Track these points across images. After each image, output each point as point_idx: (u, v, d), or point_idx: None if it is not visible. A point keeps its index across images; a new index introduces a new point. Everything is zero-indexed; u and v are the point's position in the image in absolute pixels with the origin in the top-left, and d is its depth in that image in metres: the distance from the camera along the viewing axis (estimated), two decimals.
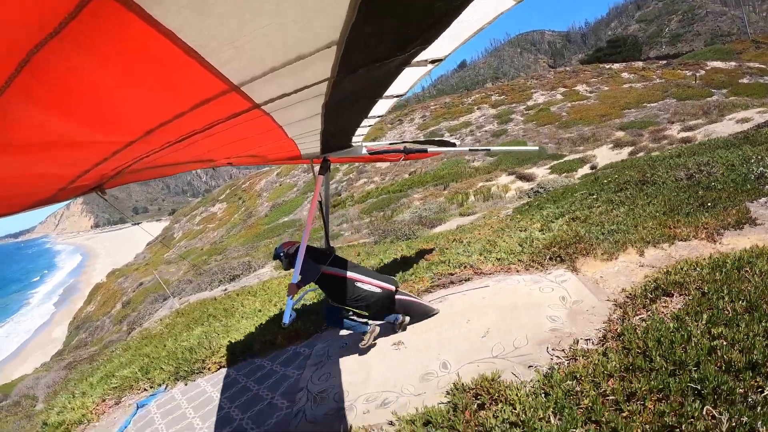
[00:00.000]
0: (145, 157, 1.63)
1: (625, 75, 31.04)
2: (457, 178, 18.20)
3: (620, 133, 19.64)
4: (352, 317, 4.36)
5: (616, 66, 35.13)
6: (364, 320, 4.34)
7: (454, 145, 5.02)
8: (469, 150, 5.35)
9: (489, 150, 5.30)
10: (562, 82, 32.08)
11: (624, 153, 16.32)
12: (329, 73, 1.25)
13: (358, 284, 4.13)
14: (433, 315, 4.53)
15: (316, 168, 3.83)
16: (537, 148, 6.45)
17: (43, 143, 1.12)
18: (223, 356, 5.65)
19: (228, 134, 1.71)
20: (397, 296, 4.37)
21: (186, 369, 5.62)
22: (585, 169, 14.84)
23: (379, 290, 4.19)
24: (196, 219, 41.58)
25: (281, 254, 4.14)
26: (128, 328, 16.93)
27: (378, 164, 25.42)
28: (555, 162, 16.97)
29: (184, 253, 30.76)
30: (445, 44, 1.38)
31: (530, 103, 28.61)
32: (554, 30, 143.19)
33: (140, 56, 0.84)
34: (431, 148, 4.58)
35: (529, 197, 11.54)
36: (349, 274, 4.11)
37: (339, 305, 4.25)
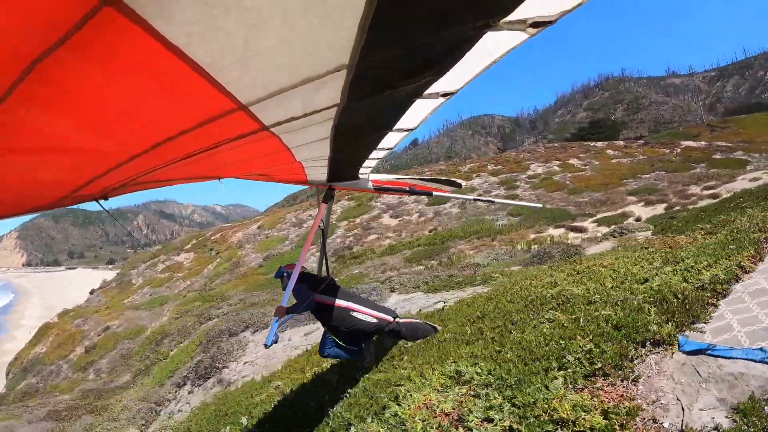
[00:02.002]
0: (150, 172, 1.63)
1: (609, 152, 33.21)
2: (493, 233, 18.57)
3: (632, 198, 20.75)
4: (342, 346, 4.28)
5: (599, 144, 37.68)
6: (353, 348, 4.29)
7: (460, 185, 5.08)
8: (474, 199, 5.47)
9: (493, 201, 5.40)
10: (554, 155, 33.83)
11: (659, 209, 17.38)
12: (339, 99, 1.25)
13: (354, 314, 4.10)
14: (436, 332, 4.53)
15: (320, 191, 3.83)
16: (540, 205, 6.68)
17: (46, 149, 1.12)
18: None
19: (236, 153, 1.71)
20: (400, 321, 4.37)
21: None
22: (630, 221, 15.84)
23: (374, 320, 4.16)
24: (158, 267, 40.43)
25: (284, 274, 4.19)
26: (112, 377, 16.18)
27: (386, 222, 26.15)
28: (596, 218, 17.88)
29: (156, 300, 29.74)
30: (457, 78, 1.37)
31: (530, 173, 30.03)
32: (503, 115, 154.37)
33: (146, 70, 0.84)
34: (436, 192, 4.65)
35: (614, 236, 11.97)
36: (343, 303, 4.10)
37: (333, 333, 4.22)
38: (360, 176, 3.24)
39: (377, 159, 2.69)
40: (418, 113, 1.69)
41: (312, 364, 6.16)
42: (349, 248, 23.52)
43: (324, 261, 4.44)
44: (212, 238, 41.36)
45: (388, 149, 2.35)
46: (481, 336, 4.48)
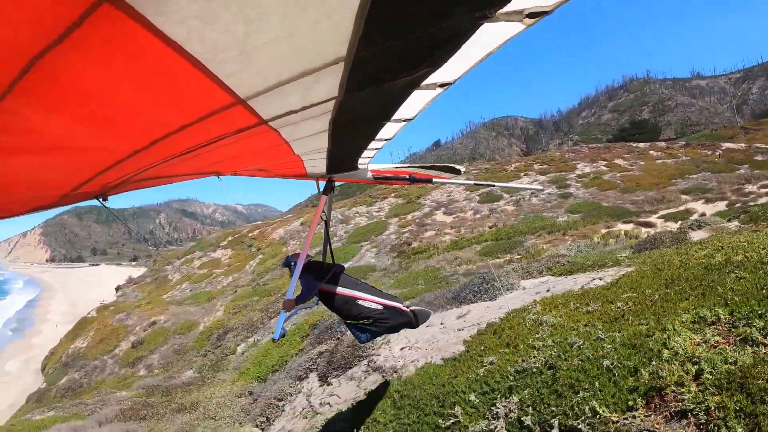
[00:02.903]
0: (149, 168, 1.64)
1: (653, 153, 33.08)
2: (560, 229, 18.77)
3: (686, 197, 21.04)
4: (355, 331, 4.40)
5: (642, 144, 37.53)
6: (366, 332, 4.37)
7: (459, 172, 5.02)
8: (474, 183, 5.38)
9: (493, 185, 5.30)
10: (599, 156, 33.83)
11: (720, 206, 17.68)
12: (336, 92, 1.25)
13: (360, 302, 4.17)
14: (430, 317, 4.71)
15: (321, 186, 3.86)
16: (541, 187, 6.50)
17: (46, 148, 1.14)
18: None
19: (234, 148, 1.71)
20: (409, 309, 4.45)
21: None
22: (695, 217, 16.01)
23: (381, 307, 4.21)
24: (194, 263, 40.48)
25: (292, 263, 4.24)
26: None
27: (440, 218, 26.16)
28: (660, 214, 18.24)
29: (200, 295, 29.17)
30: (455, 68, 1.37)
31: (578, 172, 30.02)
32: (526, 116, 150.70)
33: (145, 66, 0.84)
34: (436, 179, 4.67)
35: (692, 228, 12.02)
36: (348, 291, 4.16)
37: (345, 321, 4.31)
38: (359, 166, 3.25)
39: (376, 149, 2.68)
40: (415, 104, 1.69)
41: (509, 339, 5.15)
42: (407, 244, 23.46)
43: (328, 251, 4.48)
44: (249, 234, 41.30)
45: (386, 139, 2.34)
46: (690, 293, 4.44)
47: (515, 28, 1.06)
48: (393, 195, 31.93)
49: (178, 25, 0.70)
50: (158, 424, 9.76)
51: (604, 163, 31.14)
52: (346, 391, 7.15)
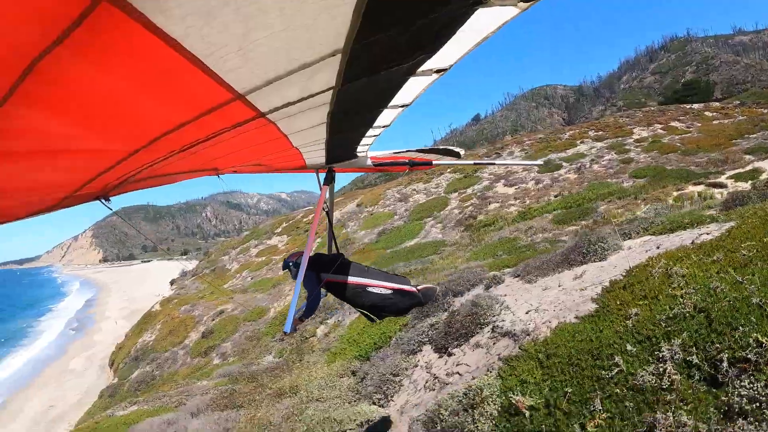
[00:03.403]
0: (149, 166, 1.65)
1: (708, 113, 32.67)
2: (629, 194, 18.63)
3: (749, 157, 20.69)
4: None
5: (696, 106, 36.95)
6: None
7: (459, 155, 4.97)
8: (474, 163, 5.33)
9: (495, 163, 5.23)
10: (654, 119, 33.26)
11: None
12: (334, 82, 1.25)
13: (370, 289, 4.16)
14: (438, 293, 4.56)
15: (321, 177, 3.86)
16: (540, 161, 6.37)
17: (48, 151, 1.15)
18: None
19: (233, 143, 1.72)
20: (416, 288, 4.42)
21: None
22: (764, 176, 15.71)
23: (390, 292, 4.21)
24: (251, 251, 40.93)
25: (290, 264, 4.24)
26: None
27: (501, 190, 26.08)
28: (728, 175, 18.00)
29: (263, 282, 28.92)
30: (450, 54, 1.36)
31: (636, 137, 29.67)
32: (566, 84, 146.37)
33: (145, 65, 0.84)
34: (436, 161, 4.63)
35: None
36: (358, 279, 4.16)
37: (358, 309, 4.32)
38: (358, 154, 3.23)
39: (374, 136, 2.68)
40: (412, 90, 1.70)
41: (643, 292, 5.05)
42: (472, 217, 23.39)
43: (332, 241, 4.48)
44: (304, 220, 41.60)
45: (384, 126, 2.35)
46: None
47: (510, 12, 1.05)
48: (449, 170, 31.61)
49: (177, 22, 0.70)
50: (259, 410, 9.47)
51: (660, 126, 30.62)
52: (474, 359, 6.90)
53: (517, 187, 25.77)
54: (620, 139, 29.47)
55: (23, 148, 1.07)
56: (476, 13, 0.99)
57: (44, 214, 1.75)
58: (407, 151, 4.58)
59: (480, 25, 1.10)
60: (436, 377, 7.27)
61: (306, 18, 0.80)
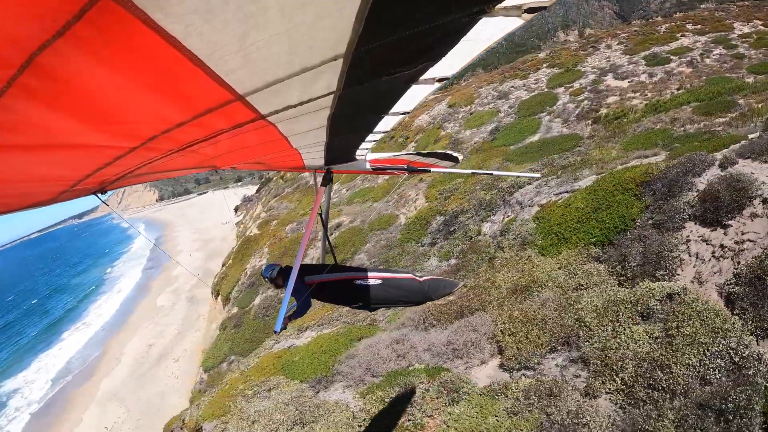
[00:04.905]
0: (148, 163, 1.64)
1: None
2: (753, 89, 17.81)
3: None
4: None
5: None
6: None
7: (457, 160, 4.94)
8: (472, 173, 5.38)
9: (492, 174, 5.26)
10: (751, 15, 31.53)
11: None
12: (335, 86, 1.24)
13: (357, 282, 4.08)
14: (457, 289, 4.43)
15: (319, 179, 3.79)
16: (538, 174, 6.45)
17: (46, 145, 1.14)
18: None
19: (232, 142, 1.72)
20: (420, 280, 4.29)
21: None
22: None
23: (379, 282, 4.10)
24: None
25: (266, 277, 4.22)
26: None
27: (613, 84, 24.52)
28: None
29: (362, 192, 26.29)
30: (453, 62, 1.36)
31: (737, 32, 28.21)
32: None
33: (144, 62, 0.84)
34: (434, 168, 4.61)
35: None
36: (340, 275, 4.09)
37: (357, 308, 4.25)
38: (357, 158, 3.20)
39: (374, 141, 2.67)
40: (413, 98, 1.69)
41: None
42: (594, 111, 22.02)
43: (328, 248, 4.39)
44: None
45: (384, 132, 2.34)
46: None
47: (513, 22, 1.06)
48: (546, 65, 30.25)
49: (178, 20, 0.69)
50: (504, 311, 8.85)
51: (761, 23, 28.99)
52: (760, 227, 7.11)
53: (630, 80, 24.42)
54: (723, 33, 27.79)
55: (22, 142, 1.06)
56: (480, 22, 0.99)
57: (41, 207, 1.74)
58: (406, 154, 4.57)
59: (484, 34, 1.10)
60: (723, 247, 7.41)
61: (307, 20, 0.79)
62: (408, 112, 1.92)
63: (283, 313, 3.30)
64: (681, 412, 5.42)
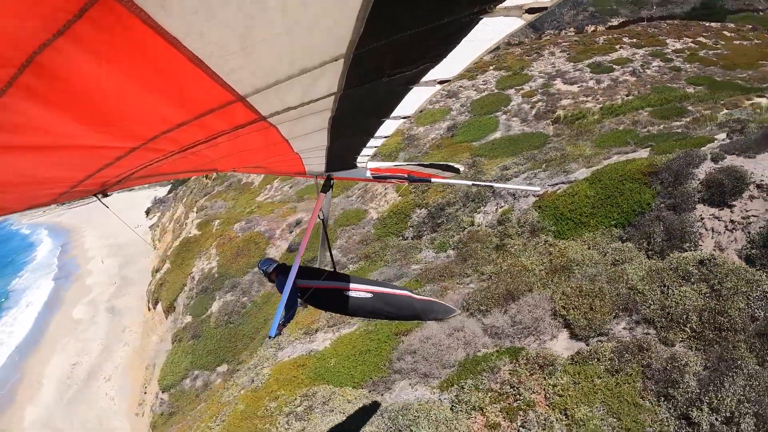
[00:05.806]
0: (147, 166, 1.64)
1: (726, 33, 33.02)
2: (697, 98, 19.20)
3: None
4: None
5: (713, 24, 36.78)
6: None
7: (458, 171, 4.95)
8: (472, 184, 5.36)
9: (492, 185, 5.25)
10: (681, 32, 33.52)
11: None
12: (336, 88, 1.24)
13: (349, 293, 4.05)
14: (451, 316, 4.38)
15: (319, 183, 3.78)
16: (538, 188, 6.53)
17: (47, 146, 1.13)
18: None
19: (232, 145, 1.71)
20: (417, 298, 4.27)
21: None
22: None
23: (370, 295, 4.08)
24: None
25: (262, 270, 4.21)
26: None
27: (563, 88, 25.54)
28: None
29: (306, 189, 25.24)
30: (454, 64, 1.36)
31: (671, 48, 30.06)
32: None
33: (145, 62, 0.83)
34: (435, 179, 4.62)
35: None
36: (333, 284, 4.05)
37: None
38: (358, 165, 3.20)
39: (375, 147, 2.66)
40: (414, 101, 1.69)
41: None
42: (551, 112, 22.65)
43: (327, 253, 4.37)
44: None
45: (385, 137, 2.34)
46: None
47: (514, 23, 1.06)
48: (492, 68, 30.89)
49: (178, 20, 0.69)
50: (548, 288, 9.62)
51: (690, 40, 31.04)
52: (759, 206, 8.79)
53: (579, 85, 25.45)
54: (658, 48, 29.52)
55: (22, 143, 1.06)
56: (481, 22, 0.99)
57: (41, 207, 1.72)
58: (408, 164, 4.56)
59: (485, 35, 1.10)
60: (734, 222, 9.05)
61: (308, 20, 0.79)
62: (409, 116, 1.91)
63: (278, 319, 3.26)
64: (749, 342, 6.99)
